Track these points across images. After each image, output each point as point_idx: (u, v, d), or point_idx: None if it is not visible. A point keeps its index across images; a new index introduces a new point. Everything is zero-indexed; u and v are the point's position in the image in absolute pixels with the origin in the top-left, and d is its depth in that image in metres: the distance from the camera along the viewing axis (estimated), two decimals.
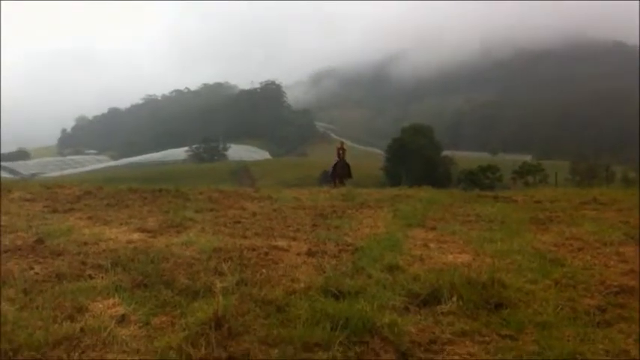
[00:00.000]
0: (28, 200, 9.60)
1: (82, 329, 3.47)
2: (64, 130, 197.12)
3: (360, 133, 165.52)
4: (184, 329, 3.52)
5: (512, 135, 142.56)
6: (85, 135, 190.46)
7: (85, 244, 5.90)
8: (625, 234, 6.75)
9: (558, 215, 8.54)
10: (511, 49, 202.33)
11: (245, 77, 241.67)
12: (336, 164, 18.73)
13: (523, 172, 57.68)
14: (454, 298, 4.09)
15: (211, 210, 8.92)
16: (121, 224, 7.34)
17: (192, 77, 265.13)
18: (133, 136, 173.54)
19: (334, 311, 3.71)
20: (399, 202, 10.17)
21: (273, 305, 3.98)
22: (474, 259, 5.57)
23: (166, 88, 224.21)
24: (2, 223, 6.99)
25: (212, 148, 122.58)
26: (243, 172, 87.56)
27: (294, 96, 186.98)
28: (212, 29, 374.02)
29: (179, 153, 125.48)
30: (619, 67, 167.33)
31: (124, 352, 3.25)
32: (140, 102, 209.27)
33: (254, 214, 8.62)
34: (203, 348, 3.24)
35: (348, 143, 54.27)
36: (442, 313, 3.93)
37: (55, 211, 8.55)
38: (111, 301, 4.04)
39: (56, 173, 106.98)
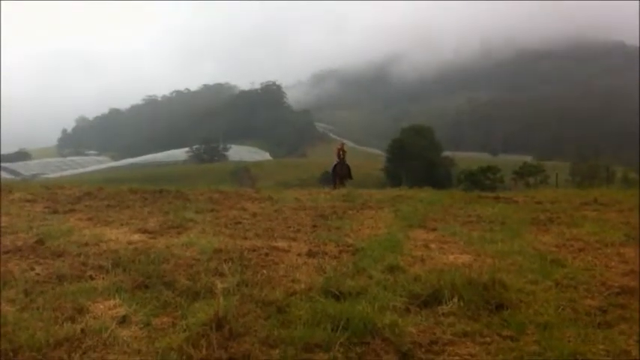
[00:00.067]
0: (28, 201, 9.61)
1: (82, 330, 3.47)
2: (64, 131, 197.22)
3: (361, 133, 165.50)
4: (185, 330, 3.53)
5: (512, 136, 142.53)
6: (85, 136, 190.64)
7: (86, 245, 5.91)
8: (626, 235, 6.75)
9: (559, 216, 8.54)
10: (511, 49, 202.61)
11: (245, 78, 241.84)
12: (336, 165, 18.72)
13: (524, 173, 57.58)
14: (455, 299, 4.08)
15: (212, 211, 8.92)
16: (122, 225, 7.35)
17: (192, 78, 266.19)
18: (133, 136, 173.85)
19: (335, 312, 3.71)
20: (399, 203, 10.17)
21: (274, 306, 3.98)
22: (474, 259, 5.56)
23: (167, 89, 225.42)
24: (3, 224, 7.00)
25: (212, 148, 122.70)
26: (243, 172, 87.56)
27: (295, 97, 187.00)
28: (213, 30, 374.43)
29: (179, 154, 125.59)
30: (619, 67, 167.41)
31: (125, 353, 3.26)
32: (140, 103, 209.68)
33: (254, 214, 8.63)
34: (204, 349, 3.24)
35: (348, 144, 54.34)
36: (443, 313, 3.93)
37: (55, 211, 8.56)
38: (112, 302, 4.05)
39: (56, 174, 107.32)
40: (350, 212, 9.04)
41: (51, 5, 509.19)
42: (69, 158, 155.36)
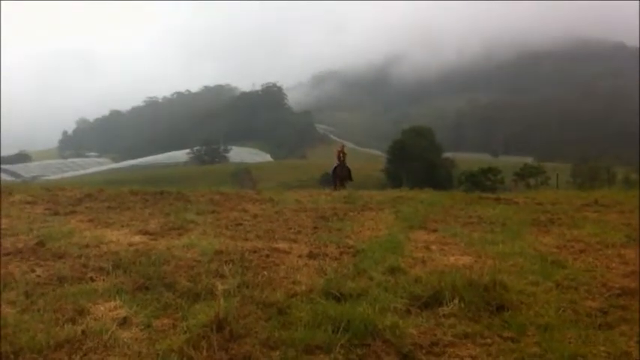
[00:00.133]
0: (29, 203, 9.61)
1: (83, 332, 3.47)
2: (65, 133, 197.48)
3: (361, 135, 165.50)
4: (186, 332, 3.53)
5: (513, 137, 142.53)
6: (86, 137, 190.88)
7: (87, 246, 5.91)
8: (626, 236, 6.75)
9: (560, 217, 8.54)
10: (512, 51, 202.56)
11: (246, 79, 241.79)
12: (336, 168, 18.72)
13: (524, 174, 57.50)
14: (456, 301, 4.08)
15: (212, 212, 8.93)
16: (123, 227, 7.35)
17: (193, 79, 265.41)
18: (134, 138, 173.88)
19: (336, 314, 3.71)
20: (400, 204, 10.17)
21: (275, 308, 3.99)
22: (475, 261, 5.56)
23: (167, 91, 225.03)
24: (3, 226, 7.00)
25: (213, 150, 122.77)
26: (244, 174, 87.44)
27: (295, 98, 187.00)
28: (213, 31, 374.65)
29: (180, 155, 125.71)
30: (620, 68, 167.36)
31: (126, 354, 3.26)
32: (141, 104, 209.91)
33: (255, 216, 8.63)
34: (204, 350, 3.24)
35: (349, 145, 54.39)
36: (444, 315, 3.93)
37: (56, 213, 8.57)
38: (112, 303, 4.05)
39: (57, 176, 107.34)
40: (351, 214, 9.04)
41: (51, 5, 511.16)
42: (69, 160, 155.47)
